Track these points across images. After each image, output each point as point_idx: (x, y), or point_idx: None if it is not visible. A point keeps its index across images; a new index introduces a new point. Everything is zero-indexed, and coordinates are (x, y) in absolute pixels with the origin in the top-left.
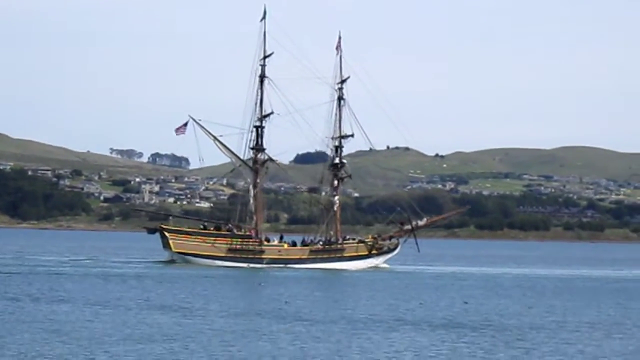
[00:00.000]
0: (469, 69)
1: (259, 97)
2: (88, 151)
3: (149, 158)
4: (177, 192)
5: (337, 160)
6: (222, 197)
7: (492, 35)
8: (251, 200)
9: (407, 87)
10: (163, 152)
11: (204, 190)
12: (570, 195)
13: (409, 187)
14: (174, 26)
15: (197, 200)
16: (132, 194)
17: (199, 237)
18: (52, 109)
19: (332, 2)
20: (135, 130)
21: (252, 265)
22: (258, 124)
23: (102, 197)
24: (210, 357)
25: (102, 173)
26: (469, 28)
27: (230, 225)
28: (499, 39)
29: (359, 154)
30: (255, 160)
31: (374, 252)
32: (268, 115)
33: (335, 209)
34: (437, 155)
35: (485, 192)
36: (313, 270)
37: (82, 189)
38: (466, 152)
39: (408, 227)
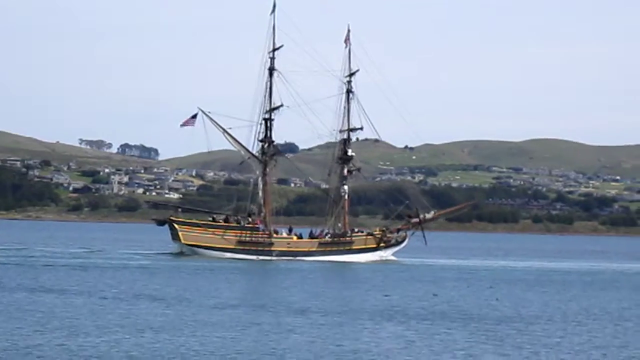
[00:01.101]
0: (440, 62)
1: (268, 90)
2: (57, 142)
3: (118, 149)
4: (146, 182)
5: (349, 153)
6: (191, 188)
7: (464, 29)
8: (260, 193)
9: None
10: (132, 143)
11: (173, 181)
12: (539, 187)
13: (378, 178)
14: (175, 17)
15: (167, 191)
16: (101, 185)
17: (208, 229)
18: (21, 99)
19: None
20: (105, 120)
21: (261, 257)
22: (267, 116)
23: (71, 188)
24: (178, 346)
25: (71, 164)
26: (450, 23)
27: (238, 217)
28: (471, 33)
29: (329, 145)
30: (263, 153)
31: (382, 244)
32: (277, 107)
33: (342, 202)
34: (406, 147)
35: (454, 184)
36: (320, 262)
37: (51, 179)
38: (435, 144)
39: (416, 220)
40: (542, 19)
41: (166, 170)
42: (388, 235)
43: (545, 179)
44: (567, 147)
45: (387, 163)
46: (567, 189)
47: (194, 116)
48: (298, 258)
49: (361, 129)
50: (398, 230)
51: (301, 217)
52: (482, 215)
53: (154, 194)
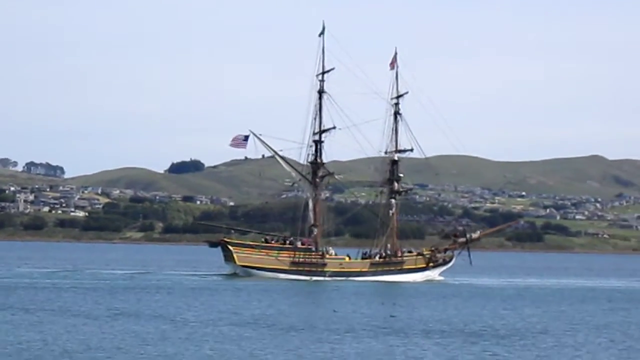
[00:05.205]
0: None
1: (318, 112)
2: None
3: (23, 167)
4: (52, 201)
5: (399, 174)
6: (97, 206)
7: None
8: (310, 214)
9: None
10: (38, 161)
11: (79, 199)
12: (445, 203)
13: (283, 196)
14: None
15: (73, 209)
16: (7, 203)
17: (262, 250)
18: None
19: (389, 17)
20: (10, 139)
21: (314, 278)
22: (317, 138)
23: None
24: None
25: None
26: None
27: (292, 238)
28: (381, 48)
29: (234, 162)
30: (315, 174)
31: (430, 264)
32: (329, 129)
33: (392, 223)
34: (312, 163)
35: (360, 201)
36: (373, 282)
37: None
38: (342, 161)
39: (462, 239)
40: (445, 34)
41: (72, 189)
42: (437, 255)
43: (451, 195)
44: (472, 163)
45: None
46: (472, 205)
47: (246, 138)
48: (350, 278)
49: (411, 150)
50: (445, 250)
51: (210, 234)
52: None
53: (60, 212)
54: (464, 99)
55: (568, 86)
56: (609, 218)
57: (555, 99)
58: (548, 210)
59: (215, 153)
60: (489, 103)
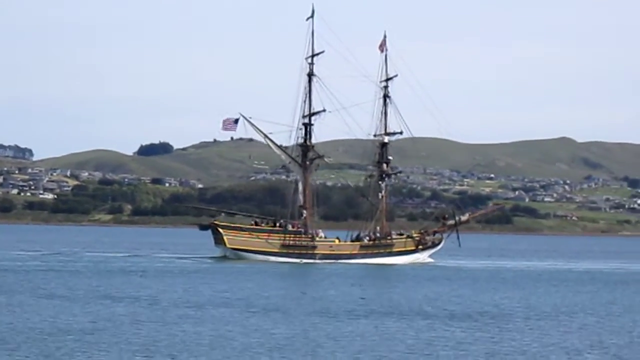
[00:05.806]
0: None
1: (307, 95)
2: None
3: None
4: (21, 183)
5: (388, 157)
6: (65, 188)
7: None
8: (300, 197)
9: None
10: (6, 144)
11: (47, 181)
12: (414, 185)
13: (253, 178)
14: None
15: (41, 192)
16: None
17: (253, 233)
18: None
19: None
20: None
21: (304, 260)
22: (306, 121)
23: None
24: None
25: None
26: None
27: (282, 221)
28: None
29: (203, 144)
30: (304, 157)
31: (420, 247)
32: (318, 112)
33: (381, 205)
34: (280, 146)
35: (329, 183)
36: (363, 265)
37: None
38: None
39: (451, 222)
40: (411, 19)
41: (41, 171)
42: (426, 237)
43: (420, 177)
44: (441, 145)
45: (262, 162)
46: (441, 187)
47: (236, 121)
48: (340, 261)
49: (400, 133)
50: (434, 233)
51: (177, 216)
52: (358, 214)
53: (28, 194)
54: (436, 82)
55: (537, 69)
56: (577, 200)
57: (524, 82)
58: (517, 192)
59: (184, 135)
60: (457, 86)
